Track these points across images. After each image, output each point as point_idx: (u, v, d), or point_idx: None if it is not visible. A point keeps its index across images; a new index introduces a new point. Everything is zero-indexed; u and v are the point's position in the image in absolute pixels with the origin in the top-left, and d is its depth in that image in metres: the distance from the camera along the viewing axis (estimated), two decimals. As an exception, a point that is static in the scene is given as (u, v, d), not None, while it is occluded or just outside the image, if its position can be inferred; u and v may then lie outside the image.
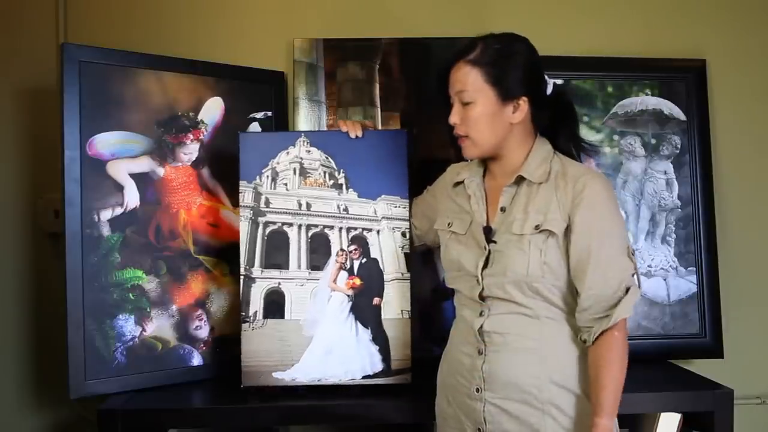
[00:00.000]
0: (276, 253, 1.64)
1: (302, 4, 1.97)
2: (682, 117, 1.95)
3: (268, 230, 1.64)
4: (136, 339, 1.65)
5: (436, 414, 1.46)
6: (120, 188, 1.65)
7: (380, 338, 1.61)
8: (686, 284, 1.91)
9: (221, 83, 1.80)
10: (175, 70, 1.74)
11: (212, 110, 1.79)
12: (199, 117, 1.77)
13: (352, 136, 1.61)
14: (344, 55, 1.92)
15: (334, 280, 1.63)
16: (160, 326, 1.68)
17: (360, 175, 1.65)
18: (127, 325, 1.64)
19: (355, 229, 1.64)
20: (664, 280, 1.91)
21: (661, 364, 1.88)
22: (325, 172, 1.66)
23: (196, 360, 1.72)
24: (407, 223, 1.62)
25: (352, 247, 1.63)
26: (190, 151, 1.75)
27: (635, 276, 1.31)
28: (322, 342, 1.61)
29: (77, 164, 1.59)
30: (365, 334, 1.61)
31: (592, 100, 1.94)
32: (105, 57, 1.65)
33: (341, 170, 1.65)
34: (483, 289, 1.34)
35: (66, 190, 1.58)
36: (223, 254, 1.78)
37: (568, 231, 1.29)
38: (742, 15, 2.04)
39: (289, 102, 1.94)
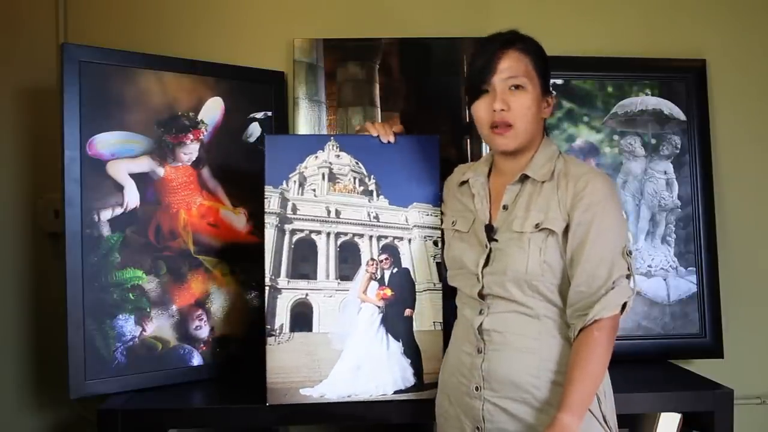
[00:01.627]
0: (303, 262, 1.55)
1: (302, 4, 1.97)
2: (682, 117, 1.95)
3: (294, 238, 1.56)
4: (136, 339, 1.65)
5: (437, 414, 1.45)
6: (120, 188, 1.65)
7: (412, 351, 1.55)
8: (686, 284, 1.91)
9: (221, 83, 1.80)
10: (175, 70, 1.74)
11: (212, 110, 1.79)
12: (199, 117, 1.77)
13: (384, 141, 1.56)
14: (344, 55, 1.92)
15: (365, 291, 1.55)
16: (160, 326, 1.68)
17: (391, 182, 1.58)
18: (127, 325, 1.64)
19: (386, 237, 1.57)
20: (664, 280, 1.91)
21: (661, 364, 1.88)
22: (355, 178, 1.58)
23: (196, 360, 1.72)
24: (439, 231, 1.55)
25: (383, 257, 1.57)
26: (190, 151, 1.75)
27: (630, 277, 1.29)
28: (351, 356, 1.53)
29: (77, 164, 1.59)
30: (396, 347, 1.55)
31: (592, 100, 1.94)
32: (105, 57, 1.64)
33: (371, 176, 1.58)
34: (483, 287, 1.34)
35: (66, 190, 1.58)
36: (223, 254, 1.77)
37: (567, 229, 1.29)
38: (742, 15, 2.04)
39: (289, 102, 1.94)
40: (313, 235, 1.56)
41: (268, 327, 1.52)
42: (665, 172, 1.94)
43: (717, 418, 1.62)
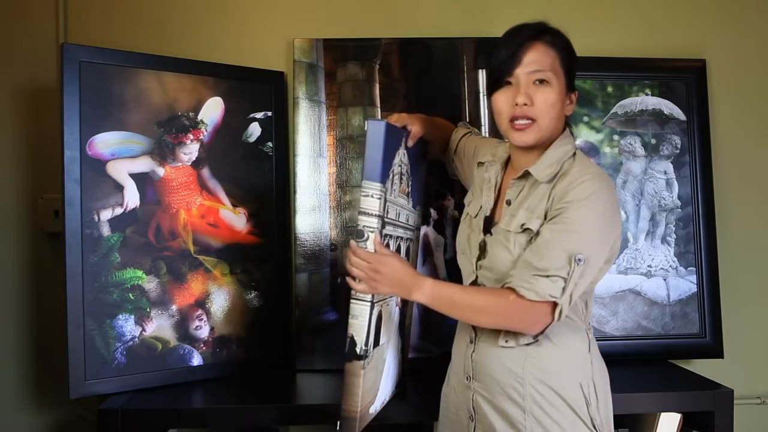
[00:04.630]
0: None
1: (302, 4, 1.97)
2: (682, 117, 1.95)
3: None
4: (136, 339, 1.65)
5: (441, 399, 1.46)
6: (120, 188, 1.65)
7: (404, 347, 1.59)
8: (686, 284, 1.91)
9: (221, 83, 1.80)
10: (175, 70, 1.74)
11: (212, 110, 1.79)
12: (199, 117, 1.77)
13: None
14: (344, 55, 1.92)
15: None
16: (160, 326, 1.68)
17: (413, 185, 1.49)
18: (127, 325, 1.64)
19: (411, 240, 1.53)
20: (664, 280, 1.91)
21: (661, 364, 1.88)
22: (408, 180, 1.46)
23: (196, 360, 1.72)
24: (419, 232, 1.58)
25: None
26: (190, 151, 1.75)
27: (566, 286, 1.19)
28: (390, 362, 1.47)
29: (77, 164, 1.59)
30: (399, 345, 1.55)
31: (592, 100, 1.94)
32: (105, 57, 1.65)
33: (411, 178, 1.48)
34: (477, 278, 1.34)
35: (66, 190, 1.58)
36: (223, 254, 1.77)
37: None
38: (742, 15, 2.04)
39: (289, 102, 1.94)
40: (389, 240, 1.37)
41: (365, 349, 1.29)
42: (665, 172, 1.94)
43: (717, 418, 1.62)
